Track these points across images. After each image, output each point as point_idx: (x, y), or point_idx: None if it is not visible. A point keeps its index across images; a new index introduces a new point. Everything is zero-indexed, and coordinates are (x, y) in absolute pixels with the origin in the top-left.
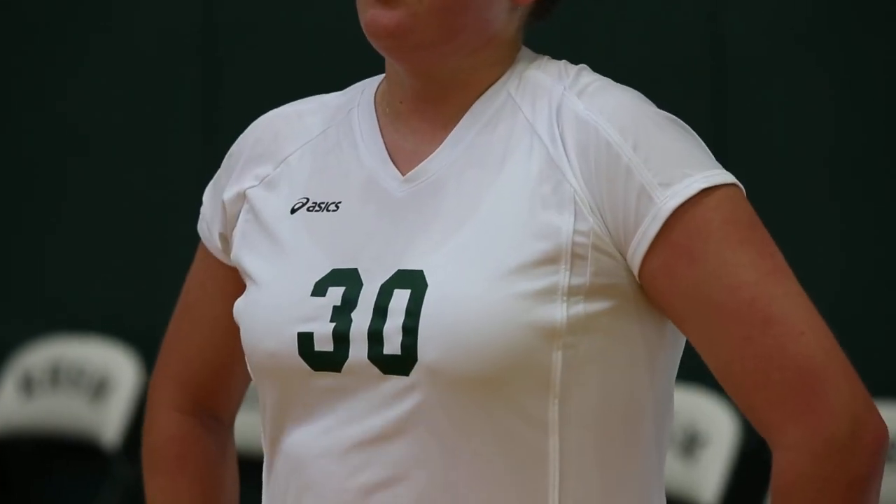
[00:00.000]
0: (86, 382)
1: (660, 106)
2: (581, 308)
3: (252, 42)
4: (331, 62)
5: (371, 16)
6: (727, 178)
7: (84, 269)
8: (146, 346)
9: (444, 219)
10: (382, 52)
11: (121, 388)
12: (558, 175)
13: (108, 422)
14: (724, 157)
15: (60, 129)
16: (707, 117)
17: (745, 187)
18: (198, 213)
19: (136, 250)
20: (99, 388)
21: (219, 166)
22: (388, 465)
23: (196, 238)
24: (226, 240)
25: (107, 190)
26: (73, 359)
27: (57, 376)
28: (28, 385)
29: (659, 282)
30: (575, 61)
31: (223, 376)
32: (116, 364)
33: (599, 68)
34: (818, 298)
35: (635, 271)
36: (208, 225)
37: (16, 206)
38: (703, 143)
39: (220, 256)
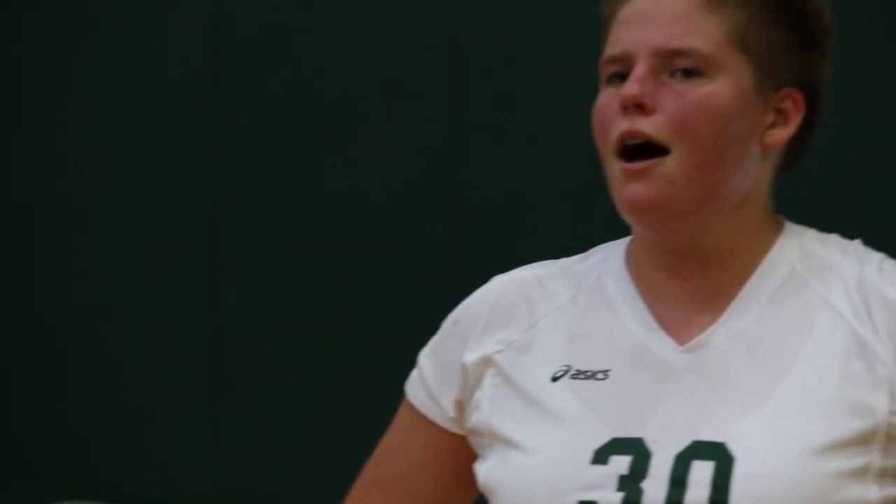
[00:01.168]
0: None
1: None
2: (892, 490)
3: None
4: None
5: (629, 192)
6: None
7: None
8: None
9: (739, 391)
10: (642, 229)
11: None
12: (869, 354)
13: None
14: None
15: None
16: None
17: None
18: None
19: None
20: None
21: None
22: None
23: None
24: (462, 407)
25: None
26: None
27: None
28: None
29: None
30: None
31: None
32: None
33: None
34: None
35: None
36: (430, 392)
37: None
38: None
39: (448, 425)
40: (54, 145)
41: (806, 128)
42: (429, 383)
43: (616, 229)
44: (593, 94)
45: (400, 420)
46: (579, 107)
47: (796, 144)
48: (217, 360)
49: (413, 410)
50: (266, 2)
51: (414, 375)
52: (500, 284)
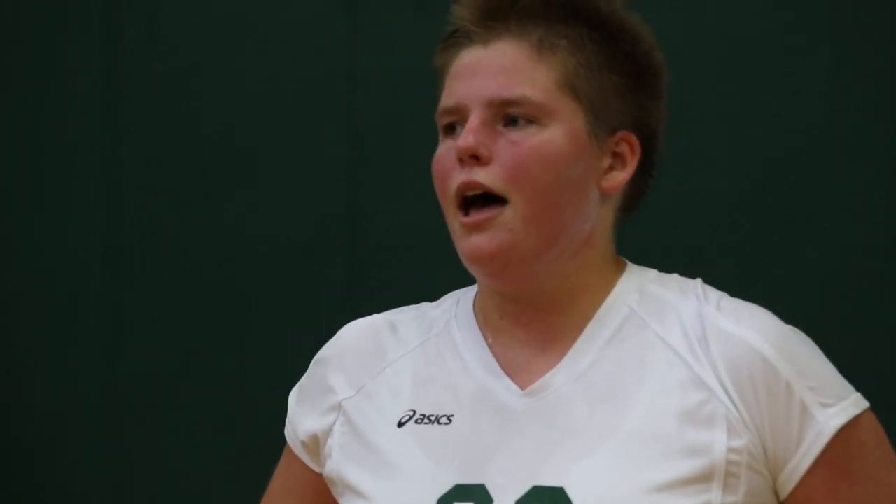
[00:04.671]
0: None
1: None
2: None
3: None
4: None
5: (471, 244)
6: (866, 402)
7: None
8: None
9: (578, 434)
10: (486, 279)
11: None
12: (706, 391)
13: None
14: None
15: None
16: None
17: None
18: None
19: None
20: None
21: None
22: None
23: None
24: (314, 448)
25: None
26: None
27: None
28: None
29: (817, 499)
30: None
31: None
32: None
33: None
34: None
35: (789, 487)
36: (294, 430)
37: None
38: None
39: (307, 461)
40: None
41: (644, 169)
42: (293, 420)
43: None
44: None
45: (282, 462)
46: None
47: (635, 186)
48: (119, 405)
49: (290, 451)
50: (166, 43)
51: (287, 417)
52: (355, 329)
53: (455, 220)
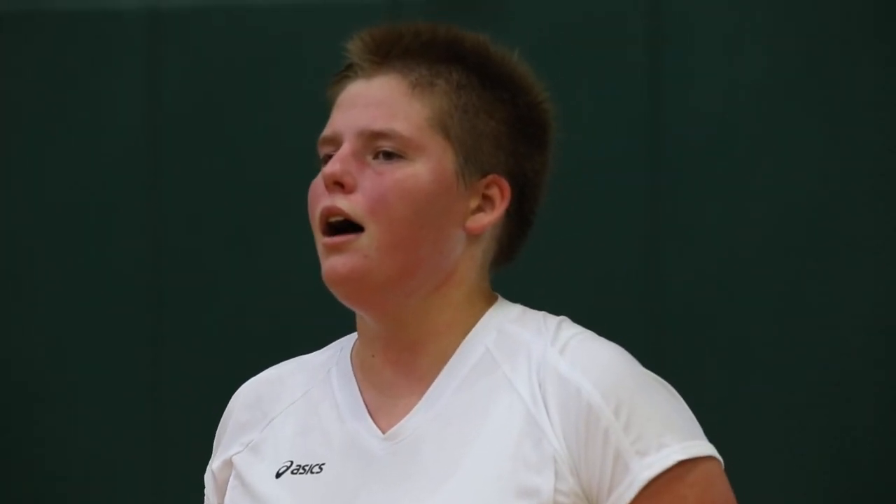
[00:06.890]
0: None
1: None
2: None
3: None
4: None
5: (328, 265)
6: (705, 449)
7: None
8: None
9: (424, 478)
10: (343, 301)
11: None
12: (539, 433)
13: None
14: None
15: None
16: None
17: None
18: None
19: None
20: None
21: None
22: None
23: None
24: None
25: None
26: None
27: None
28: None
29: None
30: None
31: None
32: None
33: None
34: None
35: None
36: (210, 501)
37: None
38: (686, 406)
39: None
40: None
41: (520, 218)
42: (208, 494)
43: None
44: None
45: None
46: None
47: (507, 232)
48: (164, 439)
49: None
50: (205, 81)
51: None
52: (247, 387)
53: (319, 243)
